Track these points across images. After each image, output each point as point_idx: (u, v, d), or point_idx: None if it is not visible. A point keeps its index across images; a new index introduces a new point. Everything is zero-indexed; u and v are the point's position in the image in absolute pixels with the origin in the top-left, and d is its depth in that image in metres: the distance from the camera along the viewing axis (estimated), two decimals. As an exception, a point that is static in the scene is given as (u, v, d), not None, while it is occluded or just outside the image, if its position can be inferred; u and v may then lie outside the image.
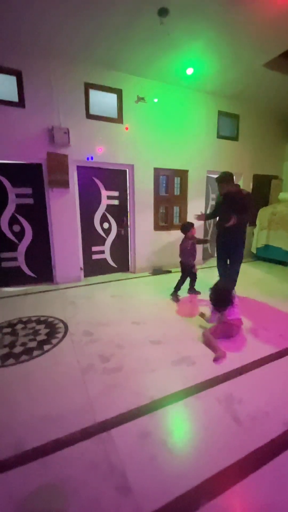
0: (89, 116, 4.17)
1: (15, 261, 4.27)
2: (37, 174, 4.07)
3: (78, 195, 4.40)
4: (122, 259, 5.14)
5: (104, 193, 4.68)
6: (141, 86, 4.40)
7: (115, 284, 4.48)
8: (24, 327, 2.85)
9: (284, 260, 5.40)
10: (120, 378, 2.01)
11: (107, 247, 4.94)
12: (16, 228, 4.17)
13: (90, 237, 4.72)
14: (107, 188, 4.69)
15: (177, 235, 5.35)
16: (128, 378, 2.00)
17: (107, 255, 4.97)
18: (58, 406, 1.74)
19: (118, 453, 1.40)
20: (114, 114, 4.39)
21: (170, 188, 5.20)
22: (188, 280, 3.77)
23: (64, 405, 1.75)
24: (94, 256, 4.84)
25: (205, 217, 3.73)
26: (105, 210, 4.76)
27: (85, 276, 4.74)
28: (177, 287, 3.67)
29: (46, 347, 2.46)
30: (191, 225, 3.64)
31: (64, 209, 4.25)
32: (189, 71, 4.13)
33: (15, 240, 4.21)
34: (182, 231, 3.69)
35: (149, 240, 5.13)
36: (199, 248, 5.18)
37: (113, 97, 4.34)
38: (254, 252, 5.89)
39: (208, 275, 4.13)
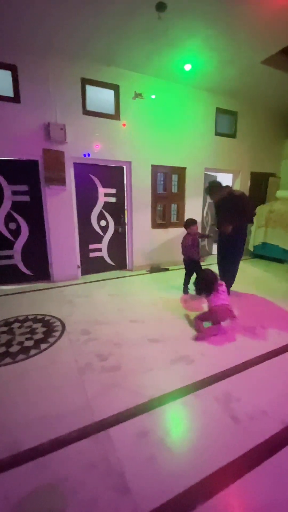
0: (86, 112, 4.12)
1: (12, 259, 4.23)
2: (33, 171, 4.01)
3: (75, 192, 4.35)
4: (119, 257, 5.12)
5: (101, 190, 4.65)
6: (138, 82, 4.35)
7: (112, 282, 4.46)
8: (21, 326, 2.83)
9: (281, 257, 5.43)
10: (118, 377, 2.00)
11: (104, 245, 4.91)
12: (12, 225, 4.12)
13: (87, 235, 4.69)
14: (104, 186, 4.65)
15: (175, 233, 5.36)
16: (126, 377, 2.00)
17: (104, 253, 4.95)
18: (56, 405, 1.73)
19: (116, 453, 1.39)
20: (111, 110, 4.34)
21: (167, 186, 5.17)
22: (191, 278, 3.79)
23: (62, 405, 1.73)
24: (92, 254, 4.82)
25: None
26: (102, 208, 4.73)
27: (82, 274, 4.72)
28: (185, 283, 3.77)
29: (43, 346, 2.44)
30: (193, 221, 3.71)
31: (60, 207, 4.21)
32: (187, 67, 4.09)
33: (11, 238, 4.16)
34: (185, 227, 3.80)
35: (147, 238, 5.11)
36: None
37: (110, 93, 4.29)
38: (252, 250, 5.90)
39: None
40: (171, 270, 5.06)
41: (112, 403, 1.74)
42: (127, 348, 2.40)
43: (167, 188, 5.18)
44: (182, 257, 3.84)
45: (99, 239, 4.84)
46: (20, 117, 3.71)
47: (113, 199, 4.79)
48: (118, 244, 5.04)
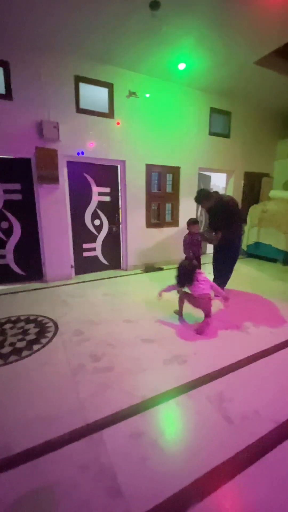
0: (79, 110, 4.08)
1: (4, 258, 4.17)
2: (25, 169, 3.96)
3: (68, 191, 4.31)
4: (114, 257, 5.10)
5: (95, 189, 4.61)
6: (132, 81, 4.33)
7: (106, 281, 4.44)
8: (13, 327, 2.79)
9: (274, 257, 5.48)
10: (112, 378, 1.99)
11: (98, 244, 4.88)
12: (4, 224, 4.06)
13: (81, 234, 4.65)
14: (98, 184, 4.62)
15: (169, 232, 5.36)
16: (119, 378, 1.99)
17: (98, 253, 4.92)
18: (48, 407, 1.71)
19: (109, 455, 1.38)
20: (105, 108, 4.31)
21: (162, 185, 5.17)
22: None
23: (54, 406, 1.72)
24: (85, 254, 4.78)
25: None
26: (97, 207, 4.70)
27: (76, 273, 4.68)
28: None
29: (35, 347, 2.41)
30: (193, 221, 3.71)
31: (54, 206, 4.16)
32: (181, 66, 4.09)
33: (3, 237, 4.10)
34: (187, 226, 3.79)
35: (141, 237, 5.10)
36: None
37: (104, 92, 4.25)
38: (245, 249, 5.95)
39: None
40: (166, 269, 5.06)
41: (105, 404, 1.73)
42: (121, 348, 2.39)
43: (162, 188, 5.18)
44: (176, 256, 3.84)
45: (93, 239, 4.80)
46: (12, 115, 3.65)
47: (107, 198, 4.76)
48: (113, 244, 5.02)
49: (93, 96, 4.19)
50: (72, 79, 3.93)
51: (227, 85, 4.84)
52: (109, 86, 4.24)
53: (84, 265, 4.79)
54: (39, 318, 2.99)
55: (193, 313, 2.96)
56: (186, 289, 2.87)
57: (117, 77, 4.23)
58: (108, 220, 4.86)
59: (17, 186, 4.01)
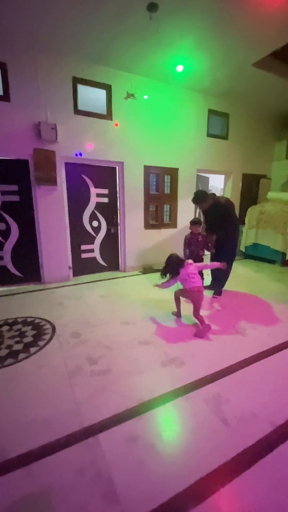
0: (77, 111, 4.08)
1: (1, 260, 4.15)
2: (23, 170, 3.95)
3: (66, 192, 4.31)
4: (112, 258, 5.09)
5: (93, 190, 4.61)
6: (131, 83, 4.33)
7: (104, 283, 4.43)
8: (10, 329, 2.77)
9: (272, 258, 5.50)
10: (109, 380, 1.98)
11: (96, 245, 4.87)
12: (2, 226, 4.04)
13: (79, 236, 4.64)
14: (96, 186, 4.61)
15: (167, 234, 5.36)
16: (116, 380, 1.98)
17: (96, 254, 4.91)
18: (44, 411, 1.70)
19: (105, 459, 1.37)
20: (103, 110, 4.31)
21: (160, 186, 5.17)
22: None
23: (51, 410, 1.71)
24: (83, 255, 4.77)
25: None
26: (95, 208, 4.69)
27: (74, 275, 4.67)
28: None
29: (32, 349, 2.40)
30: (194, 221, 3.71)
31: (51, 207, 4.15)
32: (179, 68, 4.09)
33: (1, 239, 4.08)
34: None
35: (139, 238, 5.10)
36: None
37: (102, 93, 4.26)
38: (243, 250, 5.96)
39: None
40: (164, 271, 5.05)
41: (102, 407, 1.72)
42: (118, 350, 2.38)
43: (160, 189, 5.18)
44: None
45: (91, 240, 4.80)
46: (10, 116, 3.64)
47: (105, 200, 4.76)
48: (111, 245, 5.01)
49: (91, 97, 4.19)
50: (70, 81, 3.93)
51: (225, 87, 4.85)
52: (107, 88, 4.24)
53: (82, 267, 4.78)
54: (37, 320, 2.97)
55: (191, 315, 2.95)
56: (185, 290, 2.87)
57: (115, 79, 4.24)
58: (106, 222, 4.85)
59: (14, 188, 3.99)
